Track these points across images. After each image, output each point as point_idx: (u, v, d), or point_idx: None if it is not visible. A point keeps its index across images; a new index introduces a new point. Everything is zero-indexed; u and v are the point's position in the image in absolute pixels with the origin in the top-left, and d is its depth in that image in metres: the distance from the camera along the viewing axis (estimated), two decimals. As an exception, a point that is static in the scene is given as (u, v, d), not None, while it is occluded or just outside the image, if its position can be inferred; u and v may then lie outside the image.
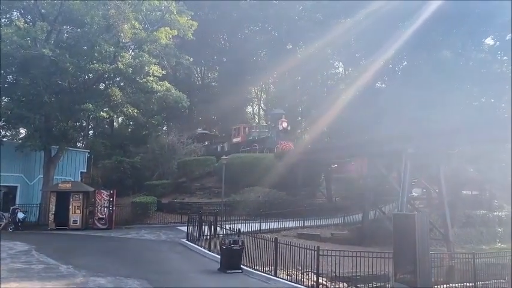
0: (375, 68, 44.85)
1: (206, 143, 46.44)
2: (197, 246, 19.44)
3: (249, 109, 64.91)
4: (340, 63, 56.94)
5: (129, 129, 53.51)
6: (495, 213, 32.11)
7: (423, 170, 25.55)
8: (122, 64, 27.04)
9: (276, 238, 15.22)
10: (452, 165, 27.47)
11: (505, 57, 40.46)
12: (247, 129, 42.85)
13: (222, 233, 19.32)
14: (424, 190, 29.83)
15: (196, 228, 20.80)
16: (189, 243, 20.39)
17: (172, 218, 28.85)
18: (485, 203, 33.36)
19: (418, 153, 23.15)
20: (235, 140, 42.75)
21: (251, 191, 30.47)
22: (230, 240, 15.10)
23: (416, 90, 34.25)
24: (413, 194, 29.17)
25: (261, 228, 23.51)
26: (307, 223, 26.96)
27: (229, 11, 53.42)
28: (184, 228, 22.36)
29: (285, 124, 38.37)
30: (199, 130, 48.12)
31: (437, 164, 24.23)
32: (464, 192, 34.04)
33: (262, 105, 63.58)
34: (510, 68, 39.70)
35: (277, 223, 25.15)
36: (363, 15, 45.62)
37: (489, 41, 42.39)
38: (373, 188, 27.52)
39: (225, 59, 56.64)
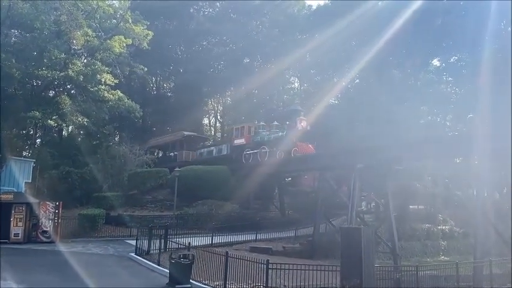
0: (329, 84, 46.26)
1: (205, 147, 42.38)
2: (146, 261, 18.91)
3: (205, 121, 64.61)
4: (296, 78, 58.11)
5: (79, 139, 51.66)
6: (439, 227, 33.47)
7: (372, 184, 26.28)
8: (73, 71, 26.34)
9: (227, 252, 15.08)
10: (399, 180, 28.45)
11: (450, 78, 42.88)
12: (253, 128, 36.46)
13: (172, 247, 18.93)
14: (373, 204, 30.66)
15: (146, 242, 20.27)
16: (138, 257, 19.80)
17: (121, 232, 27.93)
18: (431, 217, 34.70)
19: (367, 168, 23.85)
20: (237, 141, 36.77)
21: (204, 204, 30.18)
22: (180, 255, 14.81)
23: (367, 106, 35.46)
24: (363, 207, 29.90)
25: (213, 242, 23.27)
26: (260, 236, 26.96)
27: (187, 22, 53.34)
28: (134, 242, 21.69)
29: (304, 123, 32.58)
30: (186, 133, 43.10)
31: (385, 178, 25.02)
32: (411, 206, 35.30)
33: (218, 117, 63.50)
34: (455, 88, 42.08)
35: (229, 237, 24.97)
36: (318, 33, 47.08)
37: (436, 62, 44.81)
38: (325, 201, 28.02)
39: (181, 70, 56.27)
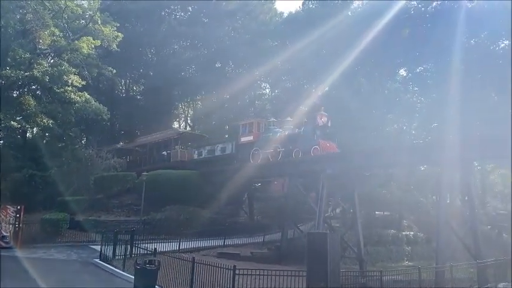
0: (300, 91, 46.82)
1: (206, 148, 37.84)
2: (110, 267, 18.52)
3: (175, 125, 64.02)
4: (268, 84, 58.46)
5: (44, 141, 50.21)
6: (404, 233, 34.23)
7: (340, 190, 26.65)
8: (38, 72, 25.62)
9: (193, 258, 14.95)
10: (366, 186, 29.00)
11: (416, 88, 44.15)
12: (262, 125, 33.17)
13: (138, 252, 18.62)
14: (340, 209, 31.08)
15: (111, 248, 19.86)
16: (102, 263, 19.38)
17: (86, 237, 27.28)
18: (396, 223, 35.45)
19: (335, 174, 24.20)
20: (244, 139, 33.14)
21: (172, 210, 29.82)
22: (145, 260, 14.58)
23: (338, 114, 35.96)
24: (330, 213, 30.24)
25: (181, 247, 23.04)
26: (228, 242, 26.90)
27: (158, 25, 52.89)
28: (99, 248, 21.24)
29: (324, 118, 29.22)
30: (181, 130, 41.18)
31: (352, 185, 25.45)
32: (377, 212, 35.99)
33: (189, 121, 63.05)
34: (420, 98, 43.30)
35: (197, 242, 24.83)
36: (289, 41, 47.69)
37: (402, 72, 46.09)
38: (293, 206, 28.22)
39: (151, 73, 55.67)
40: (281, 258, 24.63)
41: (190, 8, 56.84)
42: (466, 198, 25.89)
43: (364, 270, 22.23)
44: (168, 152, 39.54)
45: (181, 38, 54.58)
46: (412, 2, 42.32)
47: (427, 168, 34.11)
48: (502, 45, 39.06)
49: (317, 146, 27.60)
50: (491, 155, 24.84)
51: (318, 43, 41.33)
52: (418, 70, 42.96)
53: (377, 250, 29.91)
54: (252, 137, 32.54)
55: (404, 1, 41.76)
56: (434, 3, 41.72)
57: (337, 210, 31.67)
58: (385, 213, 36.93)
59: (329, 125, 29.40)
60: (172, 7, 56.74)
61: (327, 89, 48.87)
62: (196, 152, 37.99)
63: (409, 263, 28.69)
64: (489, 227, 37.64)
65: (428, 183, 34.88)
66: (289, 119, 31.63)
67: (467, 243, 22.42)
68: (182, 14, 57.74)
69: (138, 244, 19.65)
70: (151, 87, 52.88)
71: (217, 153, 35.40)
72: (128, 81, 58.83)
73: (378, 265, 26.11)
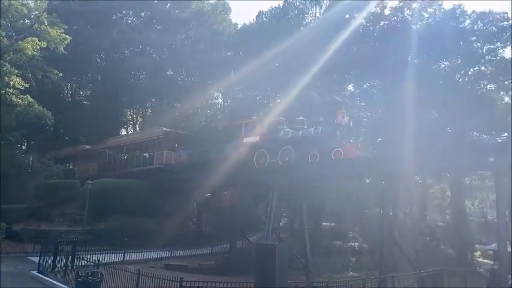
0: (252, 102, 47.29)
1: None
2: (49, 279, 17.57)
3: (123, 132, 62.37)
4: (220, 94, 58.41)
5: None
6: (349, 244, 35.14)
7: (289, 201, 27.01)
8: (-24, 72, 24.12)
9: (139, 269, 14.56)
10: (314, 197, 29.54)
11: (363, 103, 45.86)
12: (270, 124, 29.30)
13: (80, 264, 17.88)
14: (286, 220, 31.48)
15: (51, 259, 18.90)
16: (40, 275, 18.35)
17: (24, 248, 25.72)
18: (342, 234, 36.34)
19: (284, 186, 24.52)
20: (247, 139, 29.39)
21: (118, 219, 28.88)
22: (88, 272, 14.06)
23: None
24: (280, 224, 30.54)
25: (126, 259, 22.34)
26: (175, 253, 26.43)
27: (108, 29, 51.60)
28: (37, 259, 20.13)
29: (346, 118, 26.31)
30: (166, 129, 35.81)
31: (301, 196, 25.87)
32: (324, 223, 36.75)
33: (138, 129, 61.60)
34: (367, 113, 44.97)
35: (144, 253, 24.23)
36: (242, 52, 48.14)
37: (350, 87, 47.78)
38: (243, 217, 28.21)
39: (99, 78, 54.07)
40: (229, 270, 24.49)
41: (142, 13, 55.97)
42: (408, 210, 27.12)
43: (311, 281, 22.59)
44: (151, 153, 35.59)
45: (132, 43, 53.48)
46: (361, 21, 44.15)
47: (372, 181, 35.34)
48: (443, 65, 41.58)
49: (339, 149, 24.72)
50: (432, 170, 26.29)
51: (270, 56, 41.93)
52: (365, 86, 44.67)
53: (324, 261, 30.45)
54: (258, 137, 28.72)
55: (353, 20, 43.60)
56: (382, 23, 43.76)
57: (284, 221, 32.06)
58: (331, 224, 37.78)
59: (351, 125, 26.91)
60: (124, 12, 55.64)
61: (278, 101, 49.68)
62: (184, 153, 34.56)
63: (354, 274, 29.42)
64: (428, 238, 39.44)
65: (373, 196, 36.07)
66: (301, 118, 28.77)
67: (408, 254, 23.40)
68: (134, 19, 56.73)
69: (80, 255, 18.88)
70: (99, 92, 51.40)
71: (213, 155, 31.51)
72: (74, 85, 56.73)
73: (324, 276, 26.52)
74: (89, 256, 18.39)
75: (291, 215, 29.06)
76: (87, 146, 41.79)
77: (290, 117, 37.98)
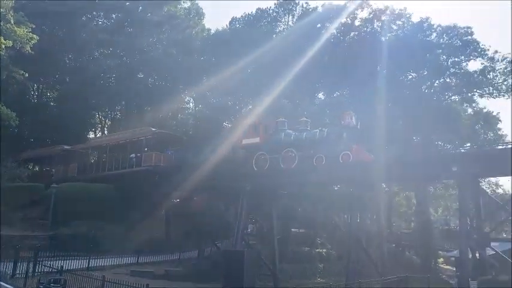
0: (224, 108, 47.24)
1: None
2: (9, 286, 16.94)
3: (91, 135, 61.02)
4: (192, 98, 58.08)
5: None
6: (317, 250, 35.47)
7: (258, 207, 27.05)
8: None
9: (104, 276, 14.27)
10: (284, 204, 29.72)
11: (333, 112, 46.54)
12: (271, 125, 28.13)
13: (43, 270, 17.35)
14: (255, 226, 31.49)
15: (11, 265, 18.25)
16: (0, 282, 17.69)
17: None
18: (310, 241, 36.64)
19: (254, 192, 24.58)
20: (247, 141, 27.98)
21: (83, 224, 28.17)
22: (50, 279, 13.72)
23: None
24: (249, 230, 30.55)
25: (90, 265, 21.82)
26: (142, 259, 25.99)
27: (78, 30, 50.57)
28: (-4, 266, 19.40)
29: (353, 119, 25.44)
30: (155, 129, 34.44)
31: (270, 202, 25.97)
32: (293, 229, 36.96)
33: (106, 132, 60.42)
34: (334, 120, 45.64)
35: (109, 259, 23.73)
36: (214, 57, 48.16)
37: (321, 96, 48.47)
38: (212, 223, 28.05)
39: (68, 79, 52.80)
40: (197, 276, 24.23)
41: (114, 15, 55.07)
42: (375, 217, 27.66)
43: (279, 287, 22.67)
44: (138, 154, 33.73)
45: (102, 45, 52.52)
46: (333, 31, 44.96)
47: (340, 188, 35.85)
48: (410, 77, 42.80)
49: (348, 152, 23.73)
50: (398, 178, 26.97)
51: (243, 62, 42.09)
52: (335, 95, 45.41)
53: (292, 267, 30.63)
54: (258, 138, 27.39)
55: (325, 29, 44.37)
56: (352, 34, 44.69)
57: (253, 227, 32.04)
58: (300, 230, 38.05)
59: (358, 127, 25.75)
60: (94, 13, 54.58)
61: (250, 107, 49.83)
62: (174, 155, 33.33)
63: (322, 280, 29.71)
64: (394, 245, 40.28)
65: (341, 203, 36.57)
66: (304, 119, 28.03)
67: (375, 260, 23.84)
68: (105, 21, 55.70)
69: (42, 261, 18.34)
70: (67, 94, 50.14)
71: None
72: (41, 86, 55.19)
73: (291, 282, 26.70)
74: (51, 262, 17.88)
75: (261, 221, 29.06)
76: (65, 146, 39.86)
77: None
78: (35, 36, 30.93)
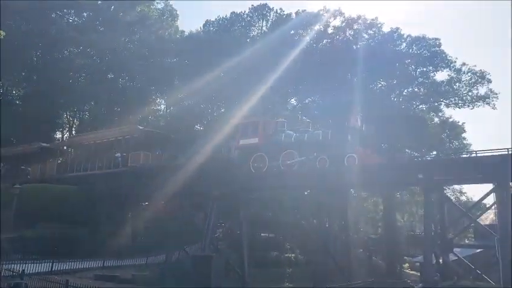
0: (196, 111, 47.06)
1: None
2: (-34, 292, 16.30)
3: (58, 135, 59.46)
4: (163, 100, 57.52)
5: None
6: (286, 255, 35.60)
7: (227, 211, 26.96)
8: None
9: (67, 280, 13.89)
10: (252, 208, 29.71)
11: (304, 117, 47.01)
12: (271, 125, 26.44)
13: (3, 274, 16.71)
14: (226, 230, 31.39)
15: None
16: (-44, 287, 16.97)
17: None
18: (279, 245, 36.74)
19: (223, 196, 24.50)
20: (245, 141, 26.41)
21: (46, 227, 27.36)
22: (11, 283, 13.23)
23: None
24: (218, 234, 30.40)
25: (53, 269, 21.19)
26: (108, 263, 25.40)
27: (47, 27, 49.26)
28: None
29: (359, 121, 24.67)
30: (142, 127, 33.22)
31: (239, 206, 25.92)
32: (262, 234, 37.01)
33: (74, 132, 58.99)
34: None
35: (73, 263, 23.03)
36: (188, 59, 47.87)
37: (293, 101, 48.95)
38: (180, 227, 27.78)
39: (35, 77, 51.34)
40: (164, 281, 23.91)
41: (85, 14, 53.99)
42: (343, 223, 28.04)
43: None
44: (124, 154, 31.98)
45: (72, 43, 51.34)
46: (306, 38, 45.54)
47: (309, 193, 36.17)
48: (379, 85, 43.79)
49: (353, 155, 22.69)
50: (366, 184, 27.45)
51: (216, 65, 42.02)
52: (306, 101, 45.96)
53: (261, 272, 30.59)
54: (257, 139, 25.90)
55: (298, 36, 44.88)
56: (325, 41, 45.39)
57: (221, 232, 31.90)
58: (269, 235, 38.12)
59: (364, 129, 24.86)
60: (65, 10, 53.30)
61: (223, 110, 49.79)
62: (168, 154, 32.24)
63: (289, 285, 29.85)
64: (361, 250, 40.89)
65: (310, 207, 36.86)
66: (305, 119, 27.10)
67: (342, 265, 24.15)
68: (76, 18, 54.50)
69: (3, 265, 17.68)
70: (34, 92, 48.75)
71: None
72: (6, 83, 53.41)
73: (260, 286, 26.70)
74: (12, 266, 17.27)
75: (230, 225, 28.99)
76: (43, 144, 38.18)
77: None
78: (1, 32, 29.93)
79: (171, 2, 57.85)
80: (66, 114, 56.17)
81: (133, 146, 31.87)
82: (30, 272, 17.50)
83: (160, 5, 56.71)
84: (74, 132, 58.45)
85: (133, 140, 32.22)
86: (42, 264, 20.68)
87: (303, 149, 24.10)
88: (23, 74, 52.40)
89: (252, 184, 24.69)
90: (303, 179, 24.02)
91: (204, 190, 24.84)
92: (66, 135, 59.31)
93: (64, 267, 21.87)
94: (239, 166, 26.14)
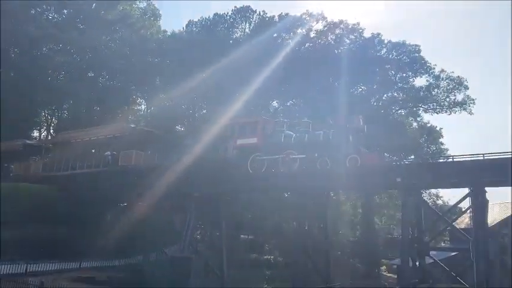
0: (178, 111, 46.78)
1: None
2: None
3: (36, 133, 58.30)
4: (144, 100, 57.00)
5: None
6: (265, 257, 35.68)
7: (207, 213, 26.84)
8: None
9: (42, 282, 13.64)
10: (232, 210, 29.69)
11: (286, 120, 47.23)
12: (269, 125, 25.77)
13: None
14: (205, 232, 31.26)
15: None
16: None
17: None
18: (258, 247, 36.82)
19: (202, 198, 24.41)
20: (242, 141, 25.49)
21: (23, 227, 26.78)
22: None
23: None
24: (197, 236, 30.25)
25: (28, 270, 20.77)
26: (84, 265, 25.05)
27: (26, 24, 48.26)
28: None
29: (361, 122, 23.80)
30: (134, 126, 32.48)
31: (219, 208, 25.86)
32: (242, 236, 37.02)
33: (52, 131, 57.89)
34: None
35: (49, 265, 22.68)
36: (169, 59, 47.56)
37: (275, 103, 49.14)
38: (159, 228, 27.56)
39: (13, 74, 50.23)
40: (142, 283, 23.68)
41: (65, 11, 53.11)
42: (322, 225, 28.24)
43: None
44: (114, 153, 30.77)
45: (52, 40, 50.45)
46: (288, 41, 45.80)
47: (289, 195, 36.32)
48: (360, 89, 44.33)
49: (356, 156, 22.31)
50: (345, 187, 27.73)
51: (198, 66, 41.87)
52: (288, 104, 46.19)
53: (240, 274, 30.58)
54: (256, 139, 25.14)
55: (280, 39, 45.09)
56: (307, 45, 45.72)
57: (200, 233, 31.76)
58: (249, 237, 38.15)
59: (365, 130, 24.14)
60: (44, 7, 52.38)
61: (204, 111, 49.65)
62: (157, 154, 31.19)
63: (268, 287, 29.91)
64: (339, 252, 41.23)
65: (289, 210, 37.05)
66: (306, 120, 26.49)
67: (320, 267, 24.30)
68: (56, 15, 53.56)
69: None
70: (11, 89, 47.64)
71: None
72: (-18, 80, 52.16)
73: (238, 288, 26.70)
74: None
75: (210, 226, 28.87)
76: (28, 141, 37.05)
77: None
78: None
79: (153, 2, 57.47)
80: (45, 113, 55.16)
81: (124, 145, 30.59)
82: (3, 273, 17.11)
83: (142, 4, 56.21)
84: (51, 131, 57.45)
85: (125, 138, 30.92)
86: (16, 266, 20.26)
87: (304, 149, 23.64)
88: (0, 70, 51.27)
89: (249, 185, 24.58)
90: (303, 180, 23.82)
91: (188, 191, 24.68)
92: (43, 133, 58.24)
93: (39, 269, 21.49)
94: (237, 166, 25.23)
